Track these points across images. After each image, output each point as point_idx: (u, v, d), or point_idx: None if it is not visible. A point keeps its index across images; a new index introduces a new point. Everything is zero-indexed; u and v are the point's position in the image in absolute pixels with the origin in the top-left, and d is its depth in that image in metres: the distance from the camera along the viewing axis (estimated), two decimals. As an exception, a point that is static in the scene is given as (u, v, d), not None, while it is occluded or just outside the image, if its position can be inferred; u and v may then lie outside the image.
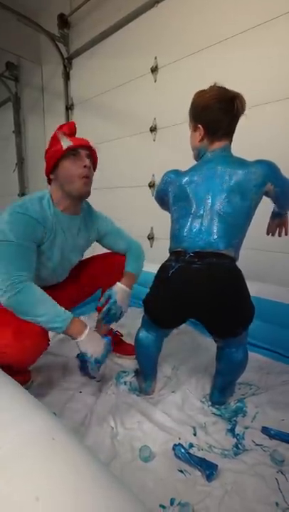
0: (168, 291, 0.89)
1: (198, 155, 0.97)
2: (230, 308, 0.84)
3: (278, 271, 1.55)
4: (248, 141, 1.38)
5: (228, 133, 0.91)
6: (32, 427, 0.52)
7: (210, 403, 0.99)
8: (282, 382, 1.11)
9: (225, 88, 0.89)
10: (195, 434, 0.85)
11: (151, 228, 2.17)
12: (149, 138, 2.05)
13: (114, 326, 1.28)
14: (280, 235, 1.04)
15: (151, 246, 2.20)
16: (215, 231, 0.84)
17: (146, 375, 1.05)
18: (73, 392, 1.02)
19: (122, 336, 1.38)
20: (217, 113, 0.88)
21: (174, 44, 1.84)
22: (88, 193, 0.97)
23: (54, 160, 0.93)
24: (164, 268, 0.91)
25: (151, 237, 2.18)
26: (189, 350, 1.34)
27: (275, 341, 1.31)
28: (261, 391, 1.05)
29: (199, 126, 0.91)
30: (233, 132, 0.93)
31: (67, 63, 2.57)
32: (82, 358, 1.16)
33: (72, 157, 0.93)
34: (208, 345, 1.38)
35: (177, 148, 1.86)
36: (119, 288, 1.07)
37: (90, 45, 2.34)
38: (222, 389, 0.99)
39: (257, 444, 0.81)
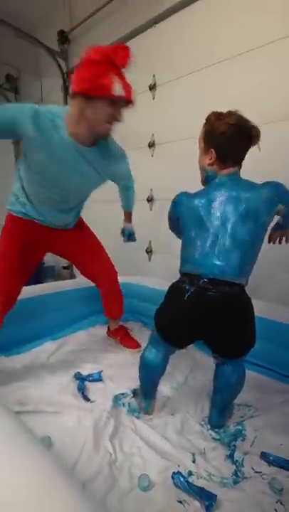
0: (183, 313, 0.91)
1: (206, 177, 0.97)
2: (237, 335, 0.89)
3: (275, 287, 1.56)
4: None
5: (238, 161, 0.93)
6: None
7: (209, 426, 0.99)
8: (281, 403, 1.12)
9: (243, 117, 0.89)
10: (194, 461, 0.85)
11: (150, 242, 2.18)
12: (147, 153, 2.08)
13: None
14: (280, 243, 1.05)
15: (149, 260, 2.21)
16: (230, 260, 0.86)
17: (146, 394, 1.06)
18: (69, 415, 1.01)
19: (132, 330, 1.62)
20: (233, 142, 0.88)
21: (171, 63, 1.88)
22: (107, 135, 1.01)
23: (96, 92, 0.86)
24: (178, 290, 0.93)
25: (149, 251, 2.19)
26: (188, 369, 1.34)
27: (272, 360, 1.32)
28: (260, 413, 1.05)
29: (212, 150, 0.91)
30: (243, 160, 0.94)
31: (66, 78, 2.61)
32: (79, 378, 1.17)
33: (114, 104, 0.90)
34: (207, 363, 1.38)
35: (174, 164, 1.90)
36: (129, 225, 1.54)
37: (89, 61, 2.38)
38: (221, 409, 1.00)
39: (256, 472, 0.81)
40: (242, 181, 0.91)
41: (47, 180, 1.07)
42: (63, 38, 2.50)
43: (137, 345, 1.54)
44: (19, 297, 1.26)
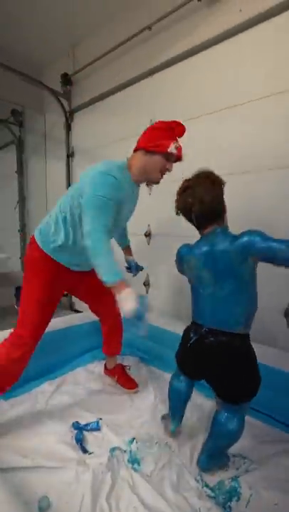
0: (187, 356, 1.11)
1: None
2: (234, 381, 0.97)
3: (274, 331, 1.60)
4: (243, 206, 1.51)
5: (207, 222, 1.04)
6: None
7: (204, 483, 1.00)
8: (276, 454, 1.13)
9: (182, 197, 1.06)
10: (190, 524, 0.86)
11: (147, 275, 2.23)
12: (145, 191, 2.17)
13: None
14: None
15: (146, 292, 2.25)
16: (221, 312, 0.99)
17: (173, 415, 1.21)
18: (68, 470, 1.02)
19: (129, 368, 1.69)
20: (187, 217, 1.09)
21: (167, 110, 2.00)
22: (158, 183, 1.26)
23: (155, 148, 1.13)
24: (186, 336, 1.11)
25: (147, 284, 2.23)
26: (185, 416, 1.34)
27: (269, 406, 1.33)
28: (255, 466, 1.06)
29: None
30: (215, 219, 1.03)
31: (68, 116, 2.74)
32: (77, 428, 1.18)
33: (167, 159, 1.16)
34: (202, 406, 1.40)
35: (171, 201, 1.98)
36: (132, 258, 1.63)
37: (90, 103, 2.52)
38: (210, 455, 1.03)
39: (251, 537, 0.82)
40: (218, 239, 0.99)
41: (114, 223, 1.16)
42: (66, 80, 2.66)
43: (135, 386, 1.56)
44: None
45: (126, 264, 1.63)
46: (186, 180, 1.07)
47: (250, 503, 0.92)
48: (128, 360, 1.91)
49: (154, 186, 2.12)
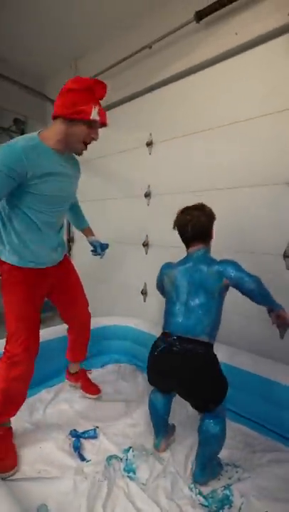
0: (154, 364, 1.15)
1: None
2: (199, 388, 1.04)
3: (262, 340, 1.64)
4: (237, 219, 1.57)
5: (197, 240, 1.20)
6: None
7: (198, 491, 1.04)
8: (268, 463, 1.16)
9: (183, 215, 1.21)
10: (183, 532, 0.89)
11: (145, 284, 2.27)
12: (144, 202, 2.23)
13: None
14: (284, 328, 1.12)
15: (144, 301, 2.29)
16: (191, 320, 1.09)
17: (156, 432, 1.23)
18: (66, 479, 1.05)
19: (90, 373, 1.68)
20: (181, 232, 1.23)
21: (166, 125, 2.07)
22: (82, 154, 1.16)
23: (75, 116, 1.02)
24: (154, 345, 1.16)
25: (144, 293, 2.28)
26: (180, 426, 1.37)
27: (260, 414, 1.37)
28: (247, 475, 1.10)
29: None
30: (203, 238, 1.20)
31: (70, 127, 2.80)
32: (74, 435, 1.21)
33: (90, 127, 1.07)
34: (196, 418, 1.43)
35: (168, 213, 2.03)
36: (95, 238, 1.53)
37: (91, 115, 2.59)
38: (202, 466, 1.06)
39: None
40: (201, 258, 1.17)
41: (52, 204, 1.13)
42: (68, 92, 2.72)
43: (98, 391, 1.56)
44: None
45: (91, 248, 1.51)
46: (185, 207, 1.24)
47: (242, 511, 0.95)
48: (125, 369, 1.95)
49: (152, 199, 2.20)
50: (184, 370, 1.05)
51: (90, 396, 1.55)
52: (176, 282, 1.17)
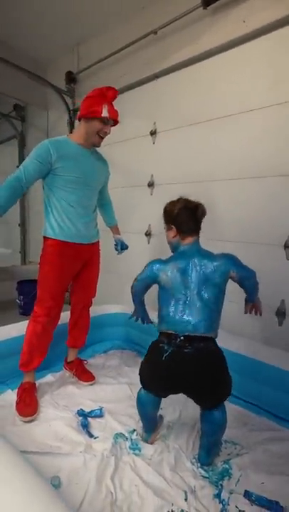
0: (162, 371, 1.04)
1: (173, 247, 1.21)
2: (213, 387, 1.01)
3: (258, 326, 1.71)
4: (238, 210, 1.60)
5: (195, 230, 1.16)
6: None
7: (199, 464, 1.11)
8: (264, 440, 1.24)
9: (189, 200, 1.16)
10: (186, 499, 0.97)
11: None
12: (147, 192, 2.24)
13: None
14: (256, 314, 1.21)
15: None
16: (200, 316, 1.03)
17: (146, 428, 1.21)
18: (76, 455, 1.11)
19: (86, 363, 1.75)
20: (185, 218, 1.14)
21: (170, 114, 2.07)
22: (99, 145, 1.45)
23: (90, 115, 1.32)
24: (157, 350, 1.05)
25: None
26: (180, 404, 1.44)
27: (256, 396, 1.45)
28: (245, 451, 1.17)
29: (172, 227, 1.17)
30: (199, 229, 1.17)
31: (72, 114, 2.78)
32: (82, 414, 1.28)
33: (104, 123, 1.34)
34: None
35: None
36: (120, 237, 1.78)
37: (94, 102, 2.56)
38: (208, 450, 1.12)
39: (240, 511, 0.93)
40: (201, 250, 1.14)
41: (77, 184, 1.39)
42: (70, 78, 2.68)
43: (92, 378, 1.62)
44: (22, 333, 1.45)
45: (114, 242, 1.76)
46: (178, 199, 1.19)
47: (240, 482, 1.03)
48: (126, 354, 2.01)
49: (155, 188, 2.22)
50: (199, 372, 0.99)
51: (84, 383, 1.60)
52: (178, 278, 1.08)
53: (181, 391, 1.06)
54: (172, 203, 1.19)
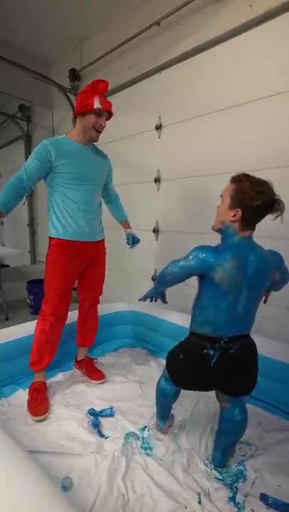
0: (210, 377, 1.02)
1: (224, 230, 1.00)
2: (250, 377, 1.03)
3: (270, 323, 1.65)
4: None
5: (254, 225, 0.99)
6: None
7: (212, 466, 1.08)
8: (279, 441, 1.20)
9: (273, 192, 0.93)
10: (200, 502, 0.94)
11: (155, 270, 2.29)
12: (154, 188, 2.21)
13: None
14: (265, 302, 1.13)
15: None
16: (248, 319, 1.01)
17: (161, 416, 1.24)
18: (88, 455, 1.10)
19: (96, 361, 1.77)
20: (262, 214, 0.95)
21: (175, 108, 2.02)
22: (97, 139, 1.42)
23: (84, 109, 1.31)
24: (201, 356, 0.99)
25: (155, 279, 2.30)
26: (193, 403, 1.42)
27: (271, 395, 1.40)
28: (260, 452, 1.14)
29: (239, 210, 0.94)
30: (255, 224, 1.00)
31: (77, 112, 2.75)
32: (92, 414, 1.27)
33: (98, 115, 1.32)
34: (210, 393, 1.47)
35: (178, 198, 2.02)
36: (131, 231, 1.75)
37: (98, 98, 2.53)
38: (224, 451, 1.08)
39: (255, 514, 0.90)
40: (257, 246, 0.99)
41: (78, 180, 1.39)
42: (74, 75, 2.66)
43: (101, 377, 1.61)
44: (31, 333, 1.46)
45: (126, 237, 1.76)
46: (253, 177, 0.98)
47: (255, 485, 1.00)
48: (136, 352, 2.00)
49: (162, 184, 2.18)
50: (242, 365, 1.00)
51: (94, 381, 1.60)
52: (235, 276, 0.93)
53: (220, 387, 1.05)
54: (254, 184, 0.93)
